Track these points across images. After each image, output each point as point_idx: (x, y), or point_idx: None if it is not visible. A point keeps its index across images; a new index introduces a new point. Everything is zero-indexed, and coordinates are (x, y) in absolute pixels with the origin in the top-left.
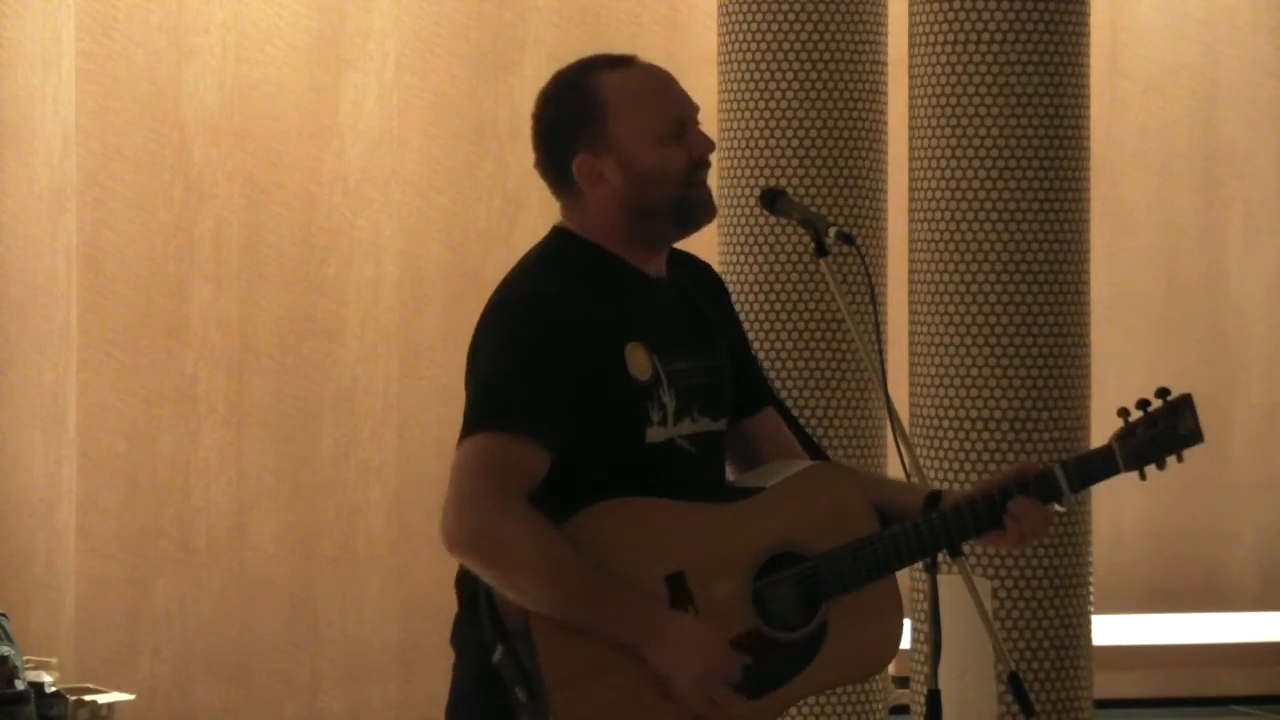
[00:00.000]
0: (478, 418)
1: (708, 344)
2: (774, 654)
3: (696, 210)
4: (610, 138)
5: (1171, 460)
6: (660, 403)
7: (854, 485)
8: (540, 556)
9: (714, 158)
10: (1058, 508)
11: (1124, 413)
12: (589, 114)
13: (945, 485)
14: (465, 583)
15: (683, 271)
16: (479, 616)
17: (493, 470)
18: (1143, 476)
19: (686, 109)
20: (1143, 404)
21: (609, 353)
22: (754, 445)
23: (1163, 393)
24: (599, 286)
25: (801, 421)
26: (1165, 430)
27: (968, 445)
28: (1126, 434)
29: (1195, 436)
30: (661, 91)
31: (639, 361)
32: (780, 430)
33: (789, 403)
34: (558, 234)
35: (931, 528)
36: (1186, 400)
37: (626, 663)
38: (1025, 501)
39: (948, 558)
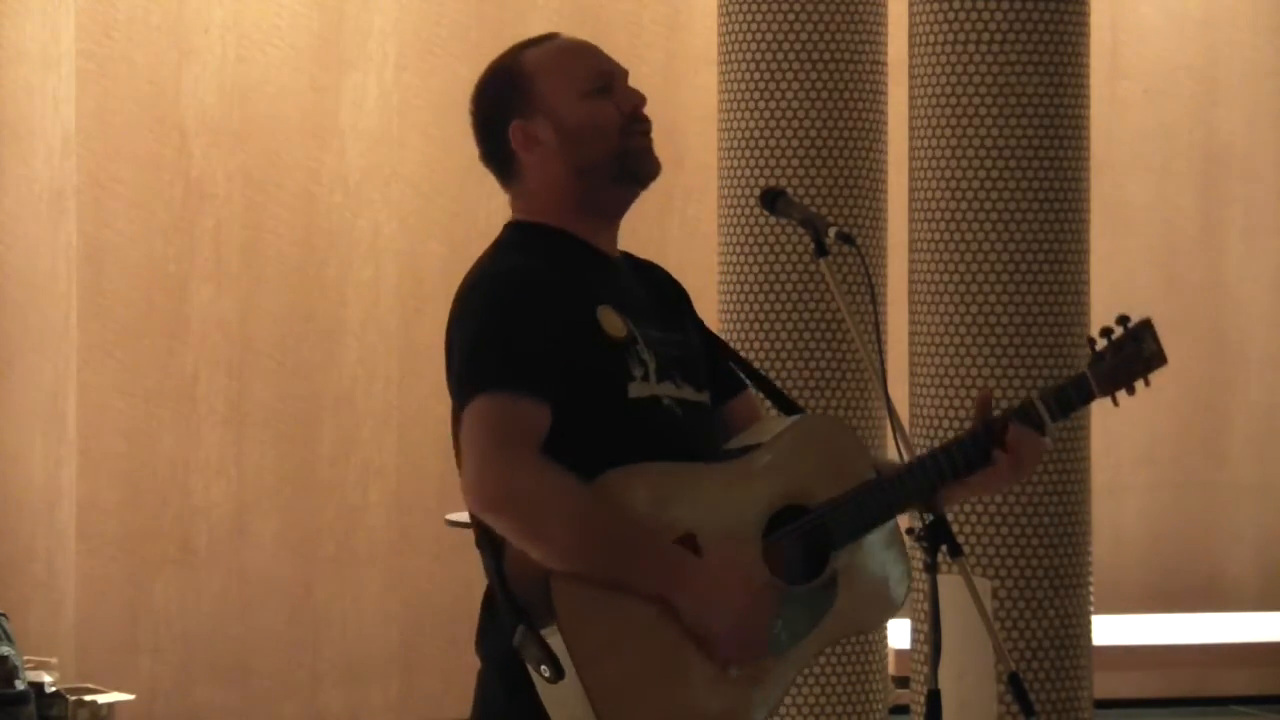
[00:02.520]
0: (472, 384)
1: (673, 319)
2: (790, 608)
3: (638, 163)
4: (537, 100)
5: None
6: (640, 359)
7: (847, 432)
8: (567, 504)
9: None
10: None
11: (1090, 341)
12: (514, 86)
13: None
14: (487, 595)
15: (643, 268)
16: (498, 618)
17: (499, 428)
18: (1115, 402)
19: (610, 66)
20: (1106, 332)
21: (581, 315)
22: (737, 427)
23: (1123, 320)
24: (559, 262)
25: None
26: (1131, 354)
27: None
28: (1096, 360)
29: (1159, 359)
30: (580, 51)
31: (613, 322)
32: (761, 409)
33: None
34: (509, 227)
35: (924, 467)
36: (1147, 324)
37: (651, 628)
38: (1019, 430)
39: (948, 557)
